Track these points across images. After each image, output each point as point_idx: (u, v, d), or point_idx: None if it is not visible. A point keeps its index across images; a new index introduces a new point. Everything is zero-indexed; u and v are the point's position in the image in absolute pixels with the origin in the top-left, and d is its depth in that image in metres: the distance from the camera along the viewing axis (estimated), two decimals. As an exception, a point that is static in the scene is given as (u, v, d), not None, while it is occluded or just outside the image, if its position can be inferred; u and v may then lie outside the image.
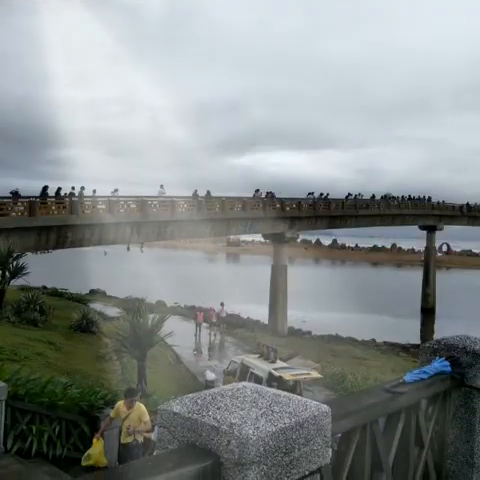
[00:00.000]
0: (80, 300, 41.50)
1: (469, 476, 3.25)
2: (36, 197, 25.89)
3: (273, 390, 2.12)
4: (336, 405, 2.34)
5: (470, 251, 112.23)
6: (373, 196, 47.42)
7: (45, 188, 26.93)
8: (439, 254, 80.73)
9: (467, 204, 60.37)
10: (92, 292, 49.27)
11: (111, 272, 55.54)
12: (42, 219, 25.22)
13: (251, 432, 1.72)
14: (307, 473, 1.92)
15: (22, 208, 24.82)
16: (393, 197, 50.01)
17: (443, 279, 60.65)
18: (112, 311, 36.51)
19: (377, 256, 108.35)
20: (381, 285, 66.10)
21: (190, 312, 38.63)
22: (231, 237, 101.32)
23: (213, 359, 27.56)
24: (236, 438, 1.72)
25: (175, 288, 43.21)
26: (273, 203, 37.38)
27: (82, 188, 28.25)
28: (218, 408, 1.88)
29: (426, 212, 53.22)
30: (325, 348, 30.78)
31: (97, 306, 39.50)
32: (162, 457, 1.85)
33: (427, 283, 53.56)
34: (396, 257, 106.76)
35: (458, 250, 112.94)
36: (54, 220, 25.93)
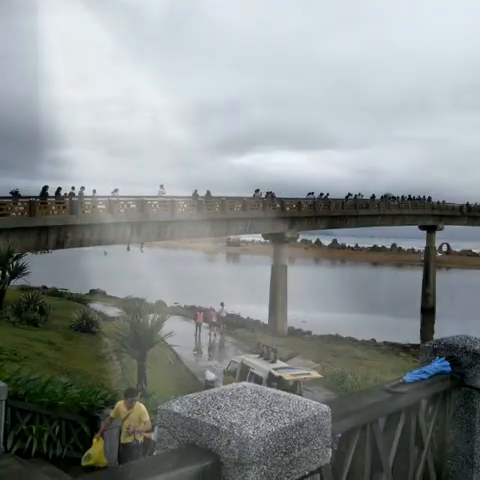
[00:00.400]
0: (80, 300, 41.51)
1: (469, 476, 3.26)
2: (36, 197, 25.91)
3: (273, 390, 2.12)
4: (336, 405, 2.34)
5: (470, 251, 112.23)
6: (373, 196, 47.42)
7: (45, 188, 26.95)
8: (439, 254, 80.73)
9: (467, 204, 60.37)
10: (92, 292, 49.28)
11: (111, 272, 55.55)
12: (42, 219, 25.22)
13: (251, 432, 1.72)
14: (307, 473, 1.92)
15: (22, 208, 24.83)
16: (393, 197, 50.00)
17: (443, 279, 60.65)
18: (112, 311, 36.52)
19: (377, 256, 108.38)
20: (381, 285, 66.12)
21: (190, 312, 38.63)
22: (231, 237, 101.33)
23: (213, 359, 27.56)
24: (236, 438, 1.72)
25: (175, 288, 43.20)
26: (273, 203, 37.38)
27: (82, 188, 28.26)
28: (218, 408, 1.88)
29: (426, 212, 53.23)
30: (325, 348, 30.78)
31: (97, 306, 39.51)
32: (162, 457, 1.85)
33: (427, 283, 53.57)
34: (396, 257, 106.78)
35: (458, 250, 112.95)
36: (54, 220, 25.94)
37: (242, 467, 1.70)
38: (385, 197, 49.00)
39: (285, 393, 2.09)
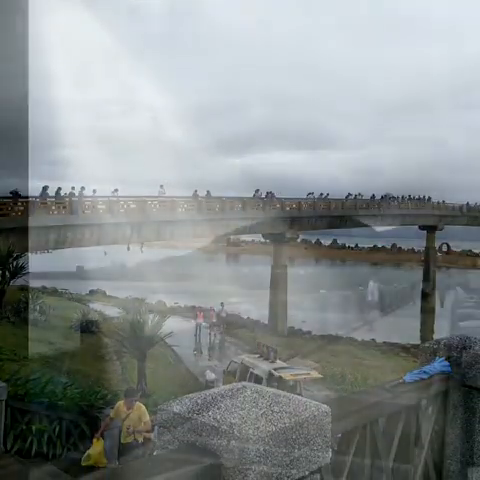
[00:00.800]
0: (80, 300, 41.53)
1: (469, 476, 3.25)
2: (36, 197, 25.91)
3: (273, 390, 2.12)
4: (336, 405, 2.34)
5: (470, 251, 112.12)
6: (373, 196, 47.45)
7: (45, 188, 26.97)
8: (439, 254, 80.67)
9: (467, 204, 60.35)
10: (92, 292, 49.25)
11: (111, 272, 55.51)
12: (42, 219, 25.20)
13: (251, 432, 1.72)
14: (307, 473, 1.92)
15: (22, 208, 24.83)
16: (393, 197, 50.02)
17: (443, 279, 60.62)
18: (112, 311, 36.49)
19: (377, 256, 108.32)
20: (381, 285, 66.06)
21: (190, 312, 38.62)
22: (231, 237, 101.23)
23: (213, 359, 27.56)
24: (236, 438, 1.72)
25: (175, 288, 43.19)
26: (273, 203, 37.40)
27: (82, 188, 28.26)
28: (218, 408, 1.88)
29: (426, 212, 53.24)
30: (325, 348, 30.78)
31: (97, 306, 39.49)
32: (162, 457, 1.86)
33: (427, 283, 53.59)
34: (396, 257, 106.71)
35: (458, 250, 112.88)
36: (54, 220, 25.94)
37: (242, 467, 1.70)
38: (385, 197, 49.02)
39: (285, 393, 2.09)
